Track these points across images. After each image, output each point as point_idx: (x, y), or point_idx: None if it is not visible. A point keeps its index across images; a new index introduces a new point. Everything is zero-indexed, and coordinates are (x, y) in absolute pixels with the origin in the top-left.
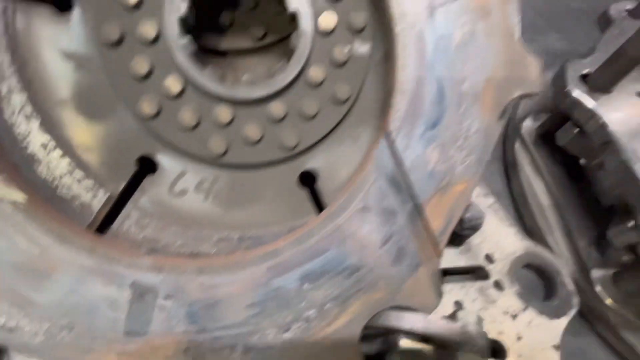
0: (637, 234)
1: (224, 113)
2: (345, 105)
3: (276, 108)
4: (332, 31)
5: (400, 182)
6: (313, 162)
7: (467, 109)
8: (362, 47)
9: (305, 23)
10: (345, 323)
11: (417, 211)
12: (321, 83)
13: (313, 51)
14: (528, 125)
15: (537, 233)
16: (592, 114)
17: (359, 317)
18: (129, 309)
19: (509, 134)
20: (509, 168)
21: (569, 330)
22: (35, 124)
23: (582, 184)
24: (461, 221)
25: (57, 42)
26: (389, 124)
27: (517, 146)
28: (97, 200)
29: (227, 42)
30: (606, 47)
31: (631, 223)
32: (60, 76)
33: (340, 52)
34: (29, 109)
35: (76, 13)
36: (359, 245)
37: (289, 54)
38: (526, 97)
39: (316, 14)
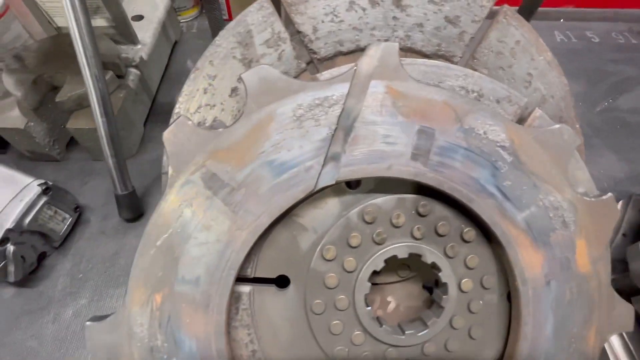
0: None
1: (392, 355)
2: (480, 342)
3: (429, 348)
4: (468, 291)
5: None
6: None
7: (575, 348)
8: (491, 297)
9: (452, 290)
10: None
11: None
12: (460, 328)
13: (457, 307)
14: None
15: None
16: None
17: None
18: None
19: None
20: None
21: None
22: None
23: None
24: None
25: (278, 309)
26: (516, 356)
27: None
28: None
29: (381, 279)
30: None
31: None
32: (279, 330)
33: (476, 304)
34: (260, 354)
35: (291, 289)
36: None
37: (436, 308)
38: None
39: (458, 280)
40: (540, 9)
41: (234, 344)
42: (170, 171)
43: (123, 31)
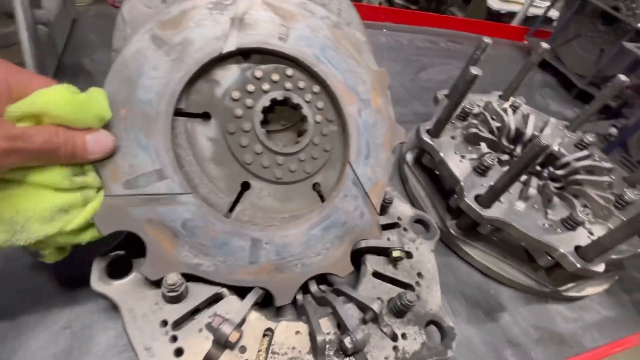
0: (457, 200)
1: (280, 160)
2: (330, 152)
3: (301, 156)
4: (320, 122)
5: (357, 182)
6: (317, 179)
7: (378, 150)
8: (333, 127)
9: (310, 120)
10: (344, 249)
11: (366, 195)
12: (318, 144)
13: (314, 131)
14: (409, 156)
15: (420, 209)
16: (433, 149)
17: (349, 245)
18: (250, 250)
19: (400, 162)
20: (403, 180)
21: (439, 252)
22: (197, 168)
23: (438, 182)
24: (384, 199)
25: (204, 133)
26: (349, 158)
27: (405, 168)
28: (225, 202)
29: (270, 127)
30: (436, 116)
31: (455, 196)
32: (206, 147)
33: (325, 130)
34: (194, 161)
35: (213, 122)
36: (344, 212)
37: (302, 133)
38: (402, 143)
39: (313, 115)
40: (372, 22)
41: (180, 160)
42: (128, 30)
43: None
